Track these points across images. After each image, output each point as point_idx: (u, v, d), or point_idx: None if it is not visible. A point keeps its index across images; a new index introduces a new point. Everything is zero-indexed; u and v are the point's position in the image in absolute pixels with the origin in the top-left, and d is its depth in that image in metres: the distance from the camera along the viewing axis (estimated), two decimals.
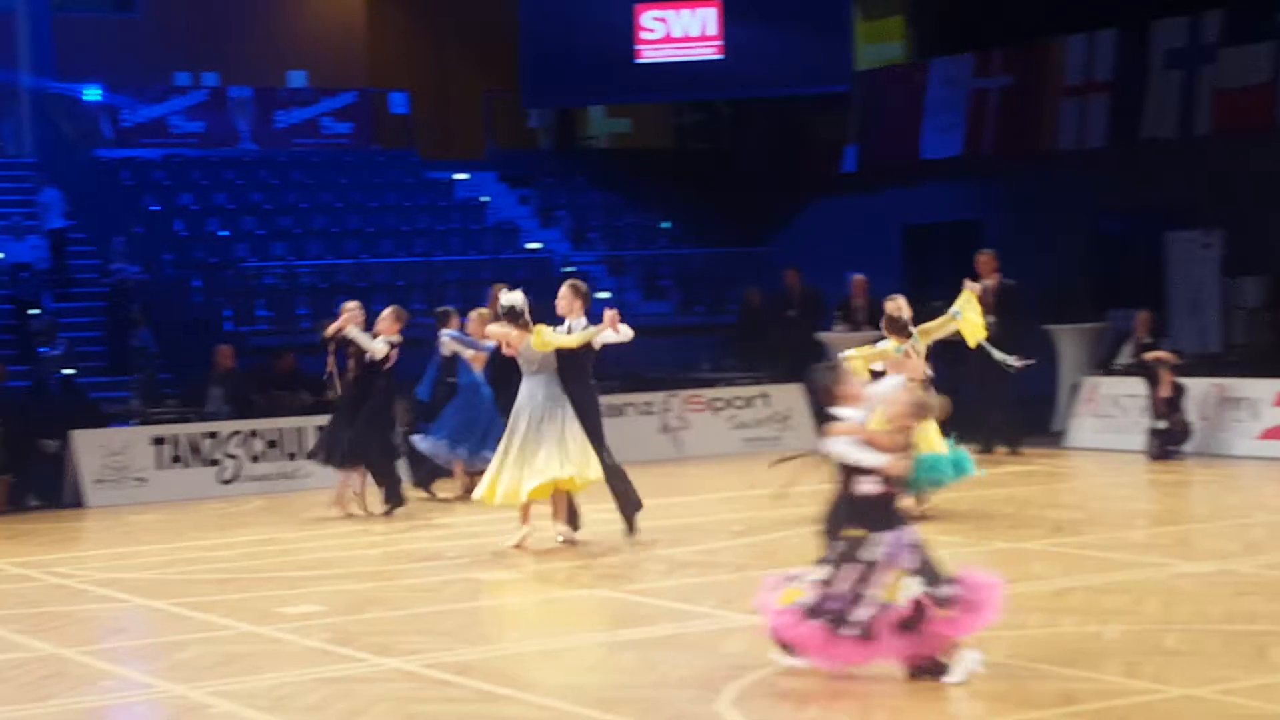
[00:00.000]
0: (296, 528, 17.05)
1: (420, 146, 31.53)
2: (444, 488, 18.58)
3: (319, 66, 32.15)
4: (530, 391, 14.56)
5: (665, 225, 30.30)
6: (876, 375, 14.51)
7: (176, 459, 19.87)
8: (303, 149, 30.60)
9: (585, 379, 14.75)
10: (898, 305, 15.73)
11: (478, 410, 18.23)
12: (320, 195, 29.12)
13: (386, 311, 17.54)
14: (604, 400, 22.14)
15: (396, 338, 17.41)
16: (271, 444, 20.38)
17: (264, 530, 16.97)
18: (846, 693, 9.22)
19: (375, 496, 17.38)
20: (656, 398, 22.48)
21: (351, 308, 17.60)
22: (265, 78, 31.21)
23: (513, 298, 14.85)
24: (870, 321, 23.72)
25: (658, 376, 23.47)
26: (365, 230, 28.09)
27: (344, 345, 17.48)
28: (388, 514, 17.29)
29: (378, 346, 17.26)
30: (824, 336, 23.80)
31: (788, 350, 24.48)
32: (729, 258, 29.03)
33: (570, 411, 14.53)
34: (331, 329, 17.55)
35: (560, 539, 14.67)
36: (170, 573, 14.24)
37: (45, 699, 9.71)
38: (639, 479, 16.55)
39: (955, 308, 15.92)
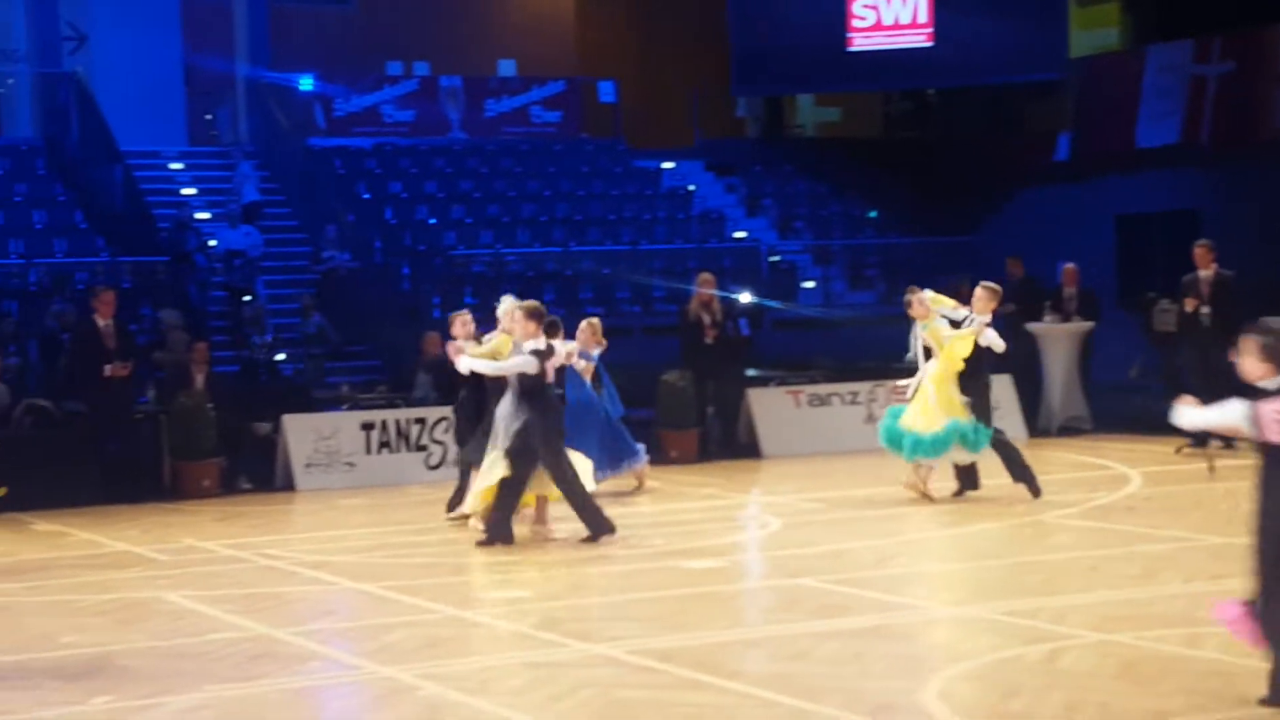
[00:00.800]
0: None
1: (628, 135, 31.61)
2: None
3: (528, 55, 32.40)
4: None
5: (872, 214, 30.05)
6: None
7: (385, 444, 20.10)
8: (512, 138, 30.85)
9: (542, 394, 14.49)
10: None
11: (593, 422, 17.55)
12: (528, 184, 29.32)
13: (584, 325, 17.33)
14: (810, 389, 22.17)
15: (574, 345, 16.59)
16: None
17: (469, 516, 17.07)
18: (1056, 684, 9.03)
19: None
20: (862, 388, 22.25)
21: (463, 321, 15.95)
22: (475, 67, 31.52)
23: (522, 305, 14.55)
24: (1081, 312, 23.32)
25: (863, 366, 23.23)
26: (573, 218, 28.23)
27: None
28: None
29: (512, 364, 14.57)
30: (1034, 327, 23.42)
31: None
32: (936, 247, 28.69)
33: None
34: (457, 363, 15.32)
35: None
36: (377, 556, 14.39)
37: (256, 678, 9.84)
38: (844, 468, 16.56)
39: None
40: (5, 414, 18.83)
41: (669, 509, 17.09)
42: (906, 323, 16.95)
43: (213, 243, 25.67)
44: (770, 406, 21.65)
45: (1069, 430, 22.86)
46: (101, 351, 18.87)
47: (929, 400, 16.35)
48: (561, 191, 29.17)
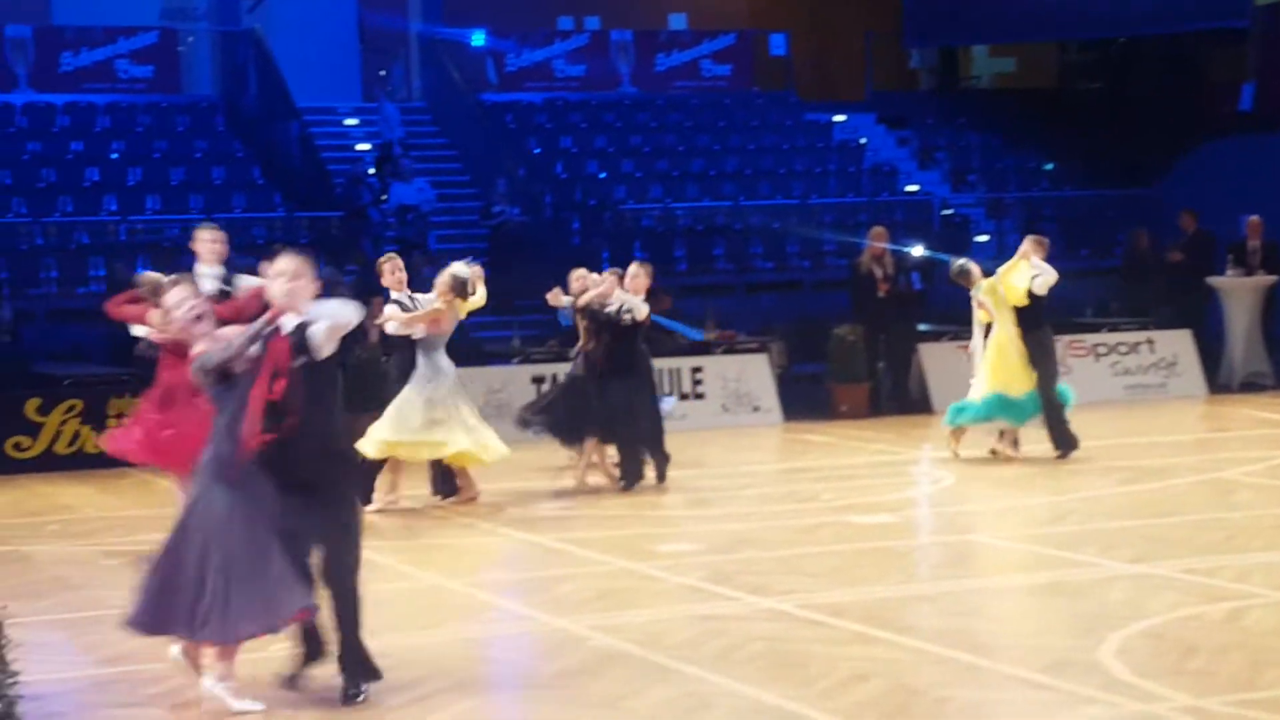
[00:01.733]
0: (671, 468, 17.12)
1: (799, 88, 31.39)
2: None
3: (699, 8, 32.23)
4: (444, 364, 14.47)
5: (1048, 167, 29.59)
6: None
7: None
8: (682, 92, 30.75)
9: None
10: None
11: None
12: (698, 138, 29.23)
13: (636, 268, 15.54)
14: (971, 343, 21.88)
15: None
16: None
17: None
18: (1237, 644, 8.87)
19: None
20: None
21: (597, 278, 15.71)
22: (646, 21, 31.44)
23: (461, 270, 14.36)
24: (1265, 265, 22.82)
25: None
26: (743, 172, 28.10)
27: (587, 316, 15.52)
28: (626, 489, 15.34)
29: (640, 306, 15.28)
30: (1215, 281, 22.98)
31: (1175, 295, 23.70)
32: (1114, 200, 28.18)
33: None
34: (585, 299, 15.49)
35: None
36: (549, 509, 14.48)
37: (432, 627, 9.95)
38: None
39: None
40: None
41: (839, 463, 17.02)
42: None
43: (386, 198, 25.91)
44: (942, 361, 21.43)
45: (1250, 386, 22.42)
46: None
47: (1003, 361, 16.27)
48: (731, 145, 29.05)
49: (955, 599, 10.32)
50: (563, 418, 15.61)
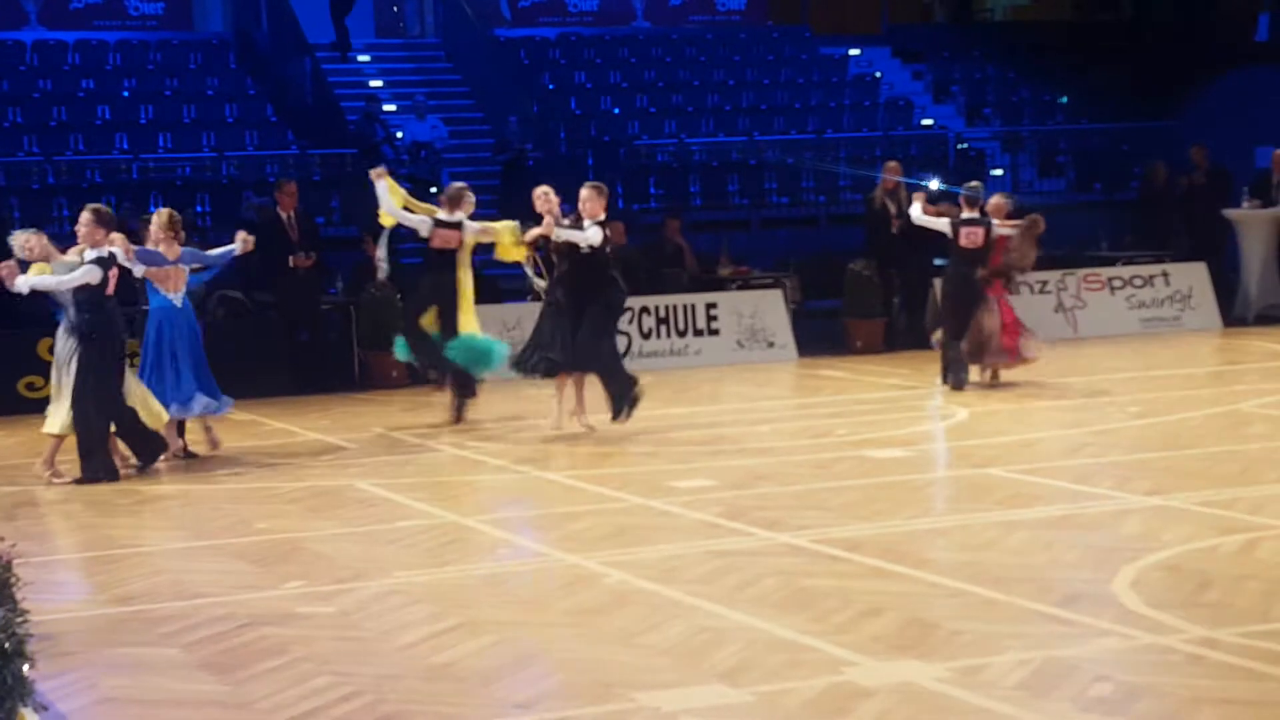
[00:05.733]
0: (686, 404, 17.15)
1: (813, 22, 31.21)
2: None
3: None
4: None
5: (1063, 100, 29.42)
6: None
7: None
8: (696, 26, 30.60)
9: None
10: None
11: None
12: (713, 73, 29.08)
13: (587, 190, 14.87)
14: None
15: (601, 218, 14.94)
16: (662, 321, 20.53)
17: (654, 406, 17.10)
18: (1252, 574, 8.85)
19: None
20: (1052, 276, 21.89)
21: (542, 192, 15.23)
22: None
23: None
24: None
25: (1053, 255, 22.83)
26: (758, 107, 27.96)
27: (546, 243, 15.15)
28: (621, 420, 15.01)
29: (591, 234, 14.68)
30: (1231, 214, 22.86)
31: (1191, 228, 23.58)
32: (1130, 133, 28.04)
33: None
34: (531, 235, 15.17)
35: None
36: (563, 445, 14.46)
37: (445, 564, 9.95)
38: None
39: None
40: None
41: (854, 399, 16.98)
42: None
43: (399, 135, 25.82)
44: None
45: (1266, 318, 22.35)
46: (286, 243, 19.13)
47: None
48: (746, 80, 28.90)
49: (970, 533, 10.30)
50: (534, 351, 15.13)
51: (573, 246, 14.76)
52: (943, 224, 17.43)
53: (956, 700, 6.92)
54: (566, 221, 14.99)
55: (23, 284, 13.18)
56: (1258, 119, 25.45)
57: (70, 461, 13.31)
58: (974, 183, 17.81)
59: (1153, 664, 7.41)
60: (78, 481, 13.13)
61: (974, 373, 17.25)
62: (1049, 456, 13.11)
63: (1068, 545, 9.76)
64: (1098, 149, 27.93)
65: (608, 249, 14.98)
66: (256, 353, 18.51)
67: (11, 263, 13.30)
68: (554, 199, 15.12)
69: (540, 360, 14.99)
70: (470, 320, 15.54)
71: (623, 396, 14.85)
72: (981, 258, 17.18)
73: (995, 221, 17.28)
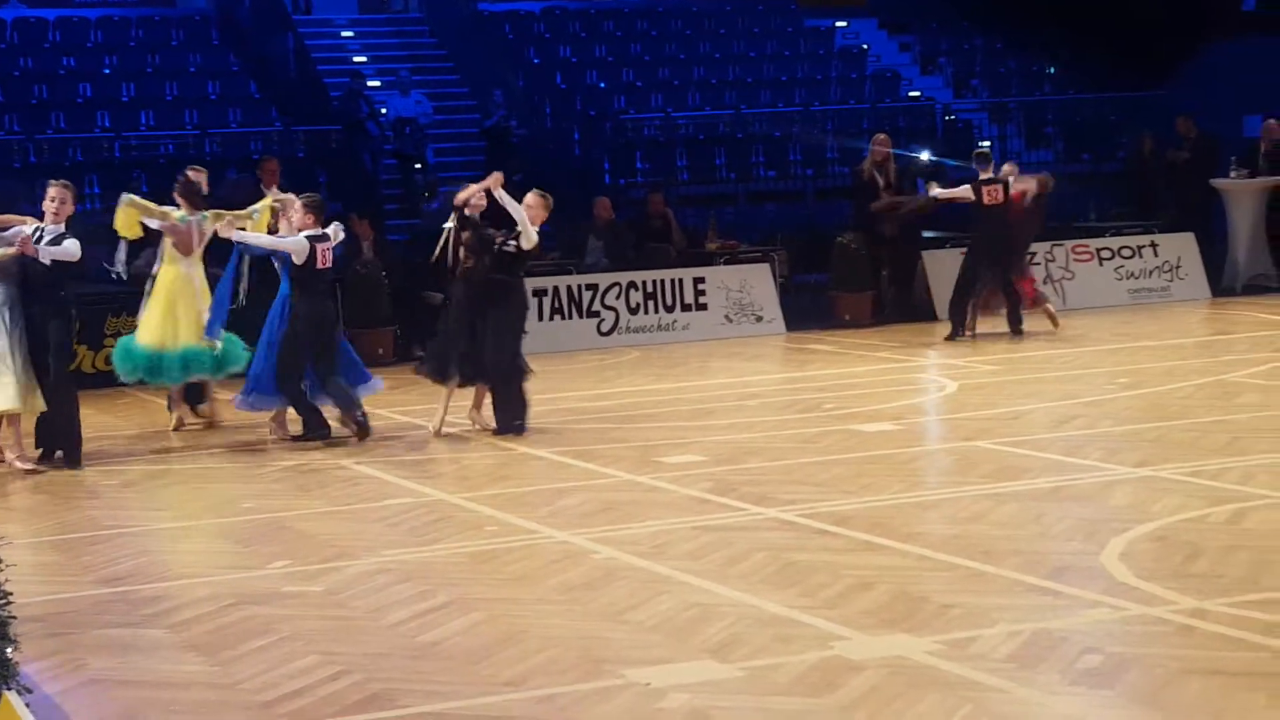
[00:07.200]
0: (674, 379, 17.12)
1: None
2: None
3: None
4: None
5: (1050, 70, 29.35)
6: None
7: (556, 311, 20.12)
8: None
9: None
10: None
11: None
12: (699, 46, 28.99)
13: (534, 197, 13.88)
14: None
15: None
16: (649, 296, 20.49)
17: (642, 381, 17.08)
18: (1241, 545, 8.83)
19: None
20: (1041, 247, 21.85)
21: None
22: None
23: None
24: (1270, 168, 22.64)
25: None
26: (744, 80, 27.88)
27: (467, 227, 13.87)
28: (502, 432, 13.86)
29: (532, 232, 13.70)
30: (1219, 183, 22.82)
31: (1179, 198, 23.55)
32: (1118, 103, 27.99)
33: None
34: (463, 195, 14.01)
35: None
36: (551, 421, 14.41)
37: (433, 543, 9.91)
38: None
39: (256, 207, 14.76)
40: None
41: (842, 372, 16.95)
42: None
43: (383, 110, 25.73)
44: (946, 268, 21.33)
45: (1254, 288, 22.35)
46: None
47: None
48: (732, 53, 28.81)
49: (959, 506, 10.27)
50: (435, 351, 14.18)
51: (488, 243, 13.72)
52: (964, 190, 18.97)
53: (946, 673, 6.90)
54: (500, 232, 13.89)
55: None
56: (1247, 88, 25.40)
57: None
58: (983, 144, 18.74)
59: (1142, 635, 7.39)
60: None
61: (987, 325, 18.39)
62: (1037, 428, 13.08)
63: (1057, 517, 9.74)
64: (1085, 119, 27.89)
65: (530, 260, 14.18)
66: (242, 330, 18.40)
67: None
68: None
69: (460, 368, 13.84)
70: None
71: (512, 417, 13.82)
72: (1003, 214, 18.79)
73: (1010, 179, 19.02)
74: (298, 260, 13.60)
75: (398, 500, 11.23)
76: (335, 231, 14.08)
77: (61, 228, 12.94)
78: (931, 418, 14.52)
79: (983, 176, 18.97)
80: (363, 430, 13.72)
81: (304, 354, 13.66)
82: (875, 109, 26.92)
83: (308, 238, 13.65)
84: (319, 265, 13.71)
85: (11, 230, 12.89)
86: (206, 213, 14.61)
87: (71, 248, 12.81)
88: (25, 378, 12.78)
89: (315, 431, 13.72)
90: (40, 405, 12.94)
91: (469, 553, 9.64)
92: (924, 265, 21.51)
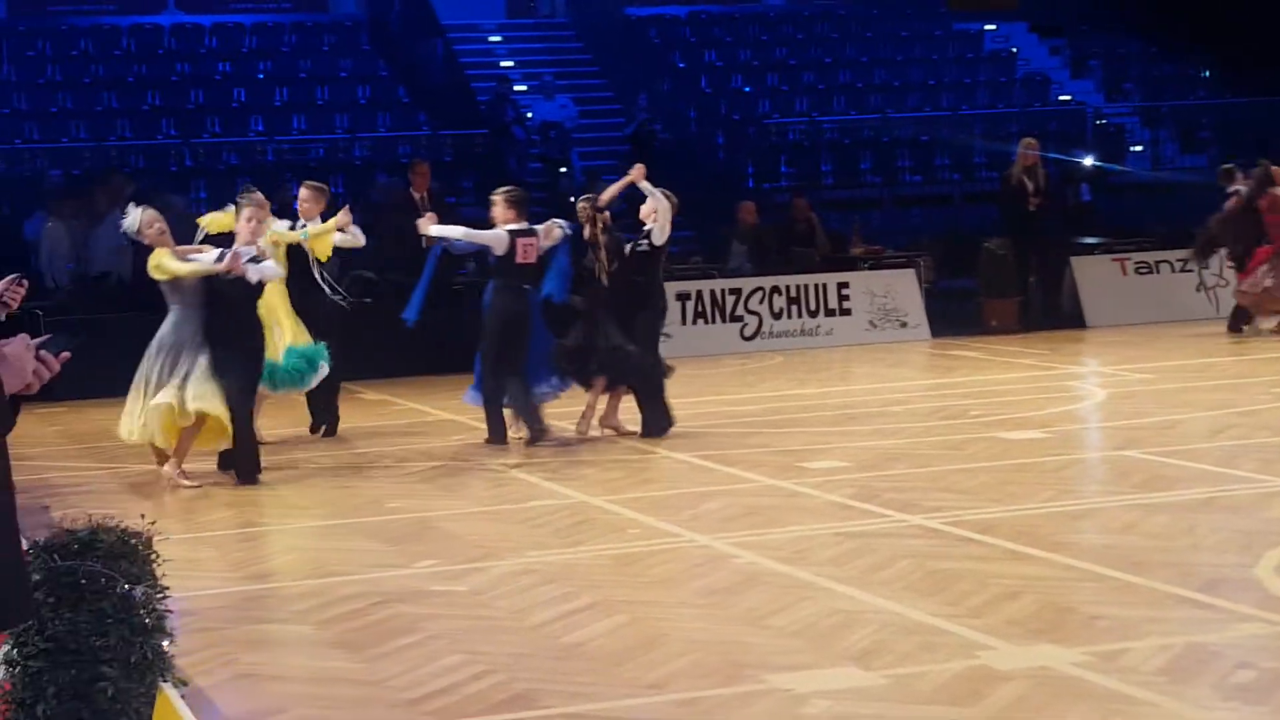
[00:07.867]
0: (818, 384, 17.04)
1: None
2: None
3: None
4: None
5: (1205, 74, 28.89)
6: None
7: (700, 315, 20.11)
8: (828, 2, 30.39)
9: None
10: None
11: None
12: (845, 49, 28.87)
13: (661, 203, 13.99)
14: (1137, 256, 21.48)
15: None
16: (793, 300, 20.42)
17: (785, 386, 17.02)
18: None
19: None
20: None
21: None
22: None
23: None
24: None
25: (1194, 231, 22.43)
26: (891, 84, 27.73)
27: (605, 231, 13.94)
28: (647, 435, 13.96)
29: (656, 232, 13.83)
30: None
31: None
32: (1275, 106, 27.48)
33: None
34: (607, 195, 14.29)
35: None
36: (694, 426, 14.39)
37: (576, 545, 9.93)
38: (1173, 338, 15.90)
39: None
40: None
41: (990, 379, 16.79)
42: None
43: (529, 115, 25.86)
44: (1095, 274, 21.09)
45: None
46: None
47: None
48: (879, 57, 28.67)
49: (1109, 515, 10.12)
50: (571, 354, 13.96)
51: (620, 245, 13.92)
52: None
53: (1094, 685, 6.78)
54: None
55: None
56: None
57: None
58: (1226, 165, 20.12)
59: None
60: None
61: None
62: (1190, 438, 12.87)
63: (1210, 529, 9.56)
64: (1241, 123, 27.40)
65: (663, 256, 14.24)
66: (389, 332, 18.57)
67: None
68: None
69: (604, 371, 13.84)
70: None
71: (657, 420, 13.91)
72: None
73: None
74: (498, 252, 13.61)
75: (542, 502, 11.27)
76: (548, 228, 13.86)
77: (254, 249, 12.41)
78: (1081, 426, 14.34)
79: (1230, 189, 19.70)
80: (536, 434, 13.62)
81: (496, 351, 13.60)
82: (1024, 113, 26.65)
83: (510, 232, 13.63)
84: (518, 260, 13.65)
85: (211, 252, 12.34)
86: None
87: (274, 267, 12.72)
88: (167, 403, 12.07)
89: (511, 435, 13.68)
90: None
91: (612, 555, 9.64)
92: (1073, 271, 21.25)
